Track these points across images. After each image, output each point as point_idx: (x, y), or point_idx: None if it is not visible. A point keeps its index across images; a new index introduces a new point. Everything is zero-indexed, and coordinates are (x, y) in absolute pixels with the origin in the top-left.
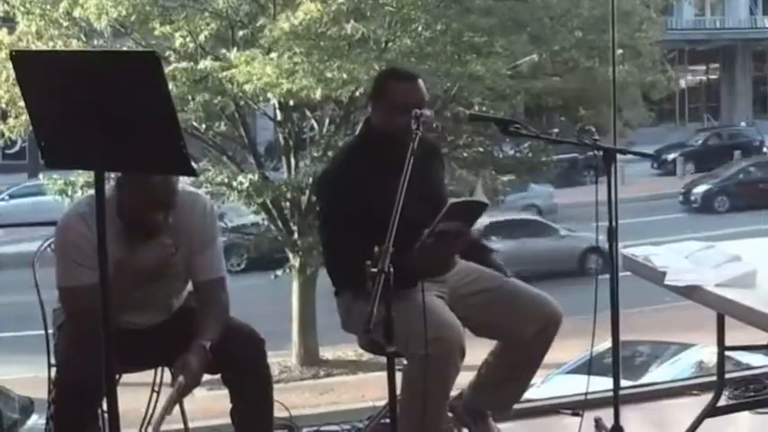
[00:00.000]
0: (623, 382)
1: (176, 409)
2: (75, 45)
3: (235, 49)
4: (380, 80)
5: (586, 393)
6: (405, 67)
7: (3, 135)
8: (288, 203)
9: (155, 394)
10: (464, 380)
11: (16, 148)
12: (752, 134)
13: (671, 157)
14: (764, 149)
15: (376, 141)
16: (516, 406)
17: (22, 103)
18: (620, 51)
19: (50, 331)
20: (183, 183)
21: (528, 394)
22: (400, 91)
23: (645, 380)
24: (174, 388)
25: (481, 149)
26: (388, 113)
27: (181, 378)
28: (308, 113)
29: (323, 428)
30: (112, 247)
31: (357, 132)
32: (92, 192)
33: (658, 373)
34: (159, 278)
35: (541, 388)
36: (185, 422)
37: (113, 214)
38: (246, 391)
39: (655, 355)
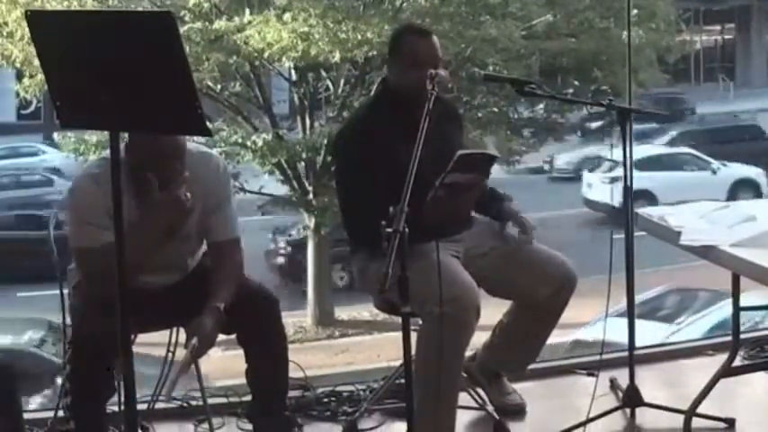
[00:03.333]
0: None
1: (191, 369)
2: (90, 4)
3: (248, 11)
4: (396, 36)
5: (601, 353)
6: (420, 24)
7: (18, 95)
8: (303, 164)
9: (169, 355)
10: (478, 340)
11: (32, 108)
12: (686, 101)
13: (594, 125)
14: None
15: (392, 100)
16: (531, 366)
17: (37, 63)
18: (635, 12)
19: (66, 291)
20: (197, 142)
21: (578, 334)
22: (415, 45)
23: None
24: (187, 350)
25: (496, 110)
26: (404, 69)
27: (194, 340)
28: (323, 74)
29: (338, 389)
30: (126, 207)
31: (373, 92)
32: (104, 153)
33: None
34: (174, 238)
35: (590, 329)
36: (201, 382)
37: (126, 175)
38: (261, 351)
39: (711, 302)
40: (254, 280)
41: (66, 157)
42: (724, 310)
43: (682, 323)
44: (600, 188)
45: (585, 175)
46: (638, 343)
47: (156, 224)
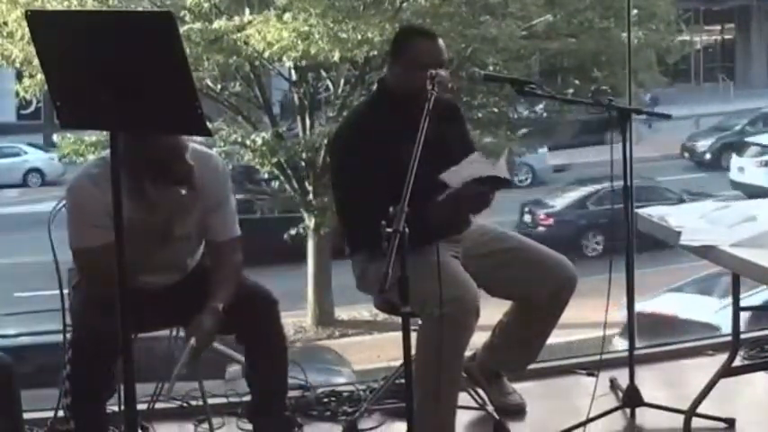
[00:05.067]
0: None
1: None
2: (90, 4)
3: (248, 11)
4: (401, 37)
5: (601, 353)
6: (424, 26)
7: (18, 95)
8: (303, 163)
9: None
10: (478, 340)
11: (31, 108)
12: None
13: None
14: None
15: (391, 100)
16: (531, 366)
17: (37, 63)
18: (635, 12)
19: (66, 291)
20: (196, 142)
21: (638, 307)
22: (422, 48)
23: None
24: (185, 350)
25: (496, 110)
26: (408, 70)
27: (192, 341)
28: (323, 74)
29: (338, 389)
30: (125, 208)
31: (372, 92)
32: (102, 154)
33: None
34: (173, 238)
35: (651, 302)
36: (200, 382)
37: (123, 174)
38: (260, 351)
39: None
40: (253, 280)
41: (50, 159)
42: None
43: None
44: (753, 171)
45: (734, 159)
46: (687, 315)
47: (155, 223)
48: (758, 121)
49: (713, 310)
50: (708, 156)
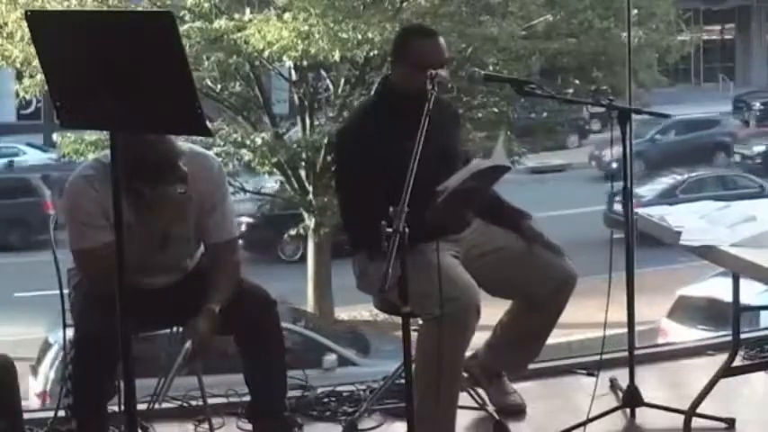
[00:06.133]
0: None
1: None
2: (90, 4)
3: (248, 10)
4: (404, 37)
5: (601, 353)
6: (426, 25)
7: (18, 95)
8: (303, 163)
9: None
10: (479, 340)
11: (31, 108)
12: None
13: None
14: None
15: (394, 100)
16: (531, 366)
17: (36, 63)
18: (635, 12)
19: (66, 291)
20: (193, 142)
21: (683, 291)
22: (425, 47)
23: None
24: (180, 354)
25: (496, 110)
26: (411, 70)
27: (187, 344)
28: (323, 74)
29: (338, 389)
30: (123, 208)
31: (374, 91)
32: (99, 155)
33: None
34: (171, 239)
35: (699, 286)
36: (201, 382)
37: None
38: (259, 352)
39: None
40: (251, 281)
41: (49, 159)
42: None
43: None
44: None
45: None
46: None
47: (153, 225)
48: (669, 130)
49: (755, 293)
50: (615, 165)
